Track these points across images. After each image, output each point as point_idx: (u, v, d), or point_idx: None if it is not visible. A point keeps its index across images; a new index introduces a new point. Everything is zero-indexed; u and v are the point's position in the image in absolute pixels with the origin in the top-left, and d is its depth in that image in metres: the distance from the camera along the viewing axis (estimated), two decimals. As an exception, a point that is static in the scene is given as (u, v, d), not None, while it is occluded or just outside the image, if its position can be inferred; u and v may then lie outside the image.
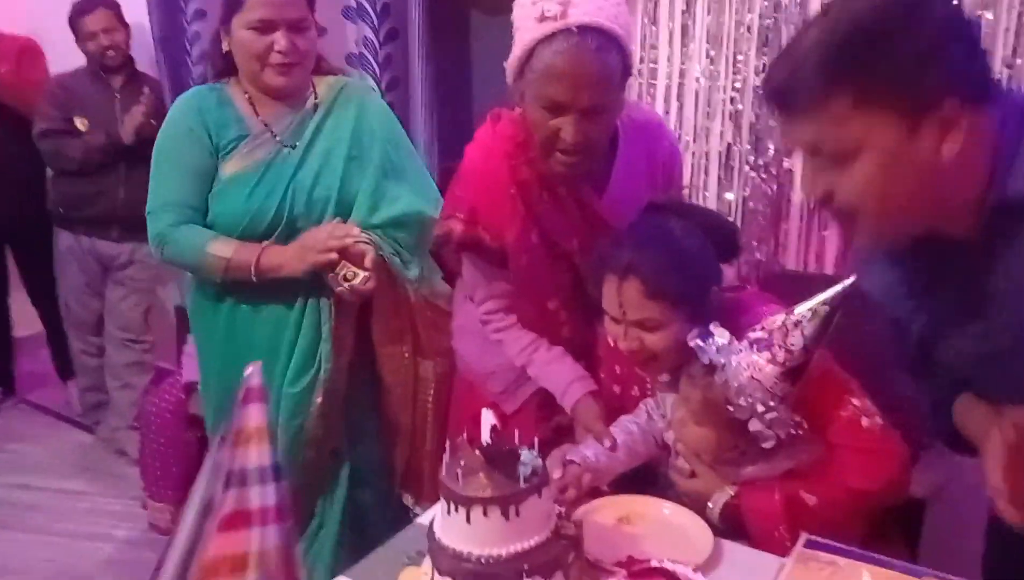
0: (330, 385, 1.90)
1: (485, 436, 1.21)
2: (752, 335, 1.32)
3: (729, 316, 1.40)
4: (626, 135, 1.66)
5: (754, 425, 1.31)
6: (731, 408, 1.32)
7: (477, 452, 1.20)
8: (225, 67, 1.89)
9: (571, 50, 1.45)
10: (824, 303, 1.30)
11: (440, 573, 1.19)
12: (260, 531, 0.85)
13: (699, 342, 1.32)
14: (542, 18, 1.45)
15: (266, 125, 1.86)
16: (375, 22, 2.64)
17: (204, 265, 1.83)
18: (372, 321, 1.92)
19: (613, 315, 1.46)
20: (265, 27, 1.77)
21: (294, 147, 1.86)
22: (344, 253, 1.78)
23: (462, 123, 2.73)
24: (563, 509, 1.28)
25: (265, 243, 1.81)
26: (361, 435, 1.99)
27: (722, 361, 1.30)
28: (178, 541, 0.85)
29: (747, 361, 1.30)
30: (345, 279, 1.78)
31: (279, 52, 1.78)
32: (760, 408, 1.29)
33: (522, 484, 1.16)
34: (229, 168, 1.83)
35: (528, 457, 1.18)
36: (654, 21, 2.26)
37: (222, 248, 1.80)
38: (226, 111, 1.86)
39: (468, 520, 1.16)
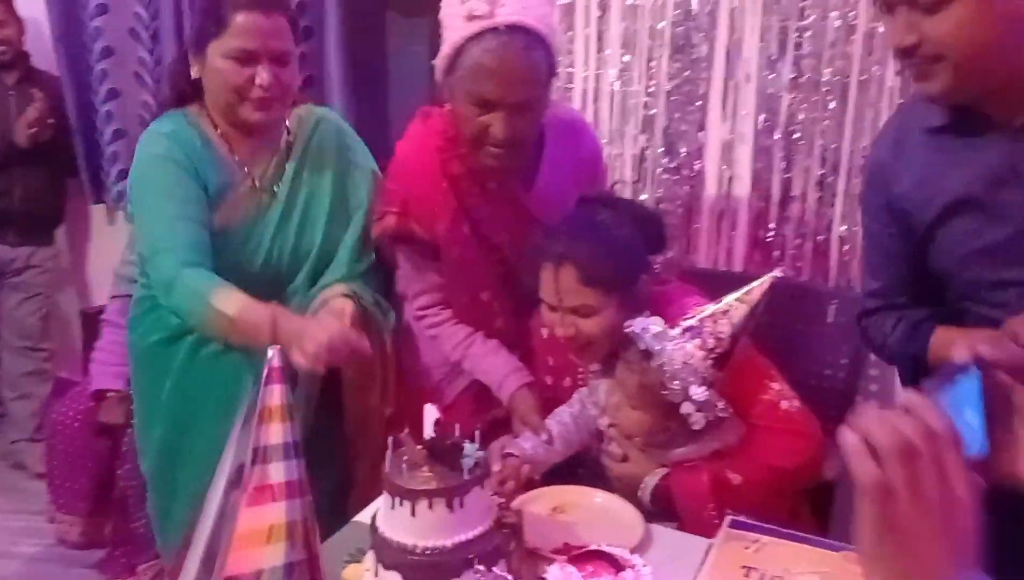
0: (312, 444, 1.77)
1: (428, 430, 1.23)
2: (684, 323, 1.41)
3: (657, 307, 1.48)
4: (552, 133, 1.72)
5: (686, 408, 1.39)
6: (665, 392, 1.39)
7: (420, 447, 1.22)
8: (190, 94, 1.71)
9: (499, 48, 1.49)
10: (749, 294, 1.40)
11: (385, 567, 1.21)
12: (285, 504, 0.90)
13: (635, 330, 1.39)
14: (470, 17, 1.50)
15: (246, 170, 1.71)
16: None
17: (209, 320, 1.60)
18: (344, 373, 1.80)
19: (550, 303, 1.51)
20: (247, 58, 1.61)
21: (274, 193, 1.73)
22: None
23: (377, 123, 2.74)
24: (503, 500, 1.31)
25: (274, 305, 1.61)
26: (317, 480, 1.86)
27: (657, 347, 1.38)
28: (206, 517, 0.88)
29: (680, 347, 1.38)
30: None
31: (260, 87, 1.62)
32: (692, 391, 1.37)
33: (466, 476, 1.18)
34: (215, 220, 1.67)
35: (471, 449, 1.20)
36: (570, 26, 2.32)
37: (227, 304, 1.57)
38: (207, 152, 1.68)
39: (413, 513, 1.18)
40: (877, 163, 1.43)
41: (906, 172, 1.36)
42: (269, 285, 1.71)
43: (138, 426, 1.85)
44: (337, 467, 1.82)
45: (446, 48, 1.55)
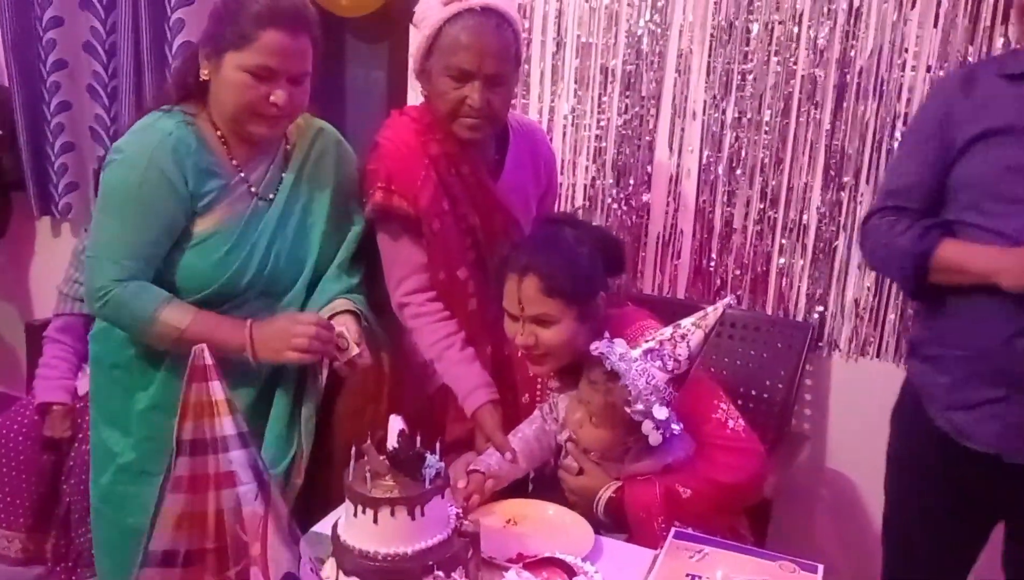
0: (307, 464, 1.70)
1: (392, 441, 1.28)
2: (645, 346, 1.50)
3: (616, 328, 1.57)
4: (515, 133, 1.89)
5: (646, 426, 1.47)
6: (629, 411, 1.47)
7: (383, 457, 1.26)
8: (195, 94, 1.66)
9: (474, 25, 1.68)
10: (705, 319, 1.50)
11: (345, 573, 1.24)
12: (219, 494, 0.91)
13: (602, 350, 1.48)
14: (447, 1, 1.68)
15: (241, 173, 1.67)
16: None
17: (150, 333, 1.60)
18: (339, 392, 1.76)
19: (512, 312, 1.60)
20: (267, 75, 1.56)
21: (270, 200, 1.70)
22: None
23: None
24: (460, 510, 1.36)
25: (249, 321, 1.63)
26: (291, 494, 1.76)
27: (623, 368, 1.46)
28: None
29: (642, 369, 1.47)
30: (339, 349, 1.66)
31: (275, 105, 1.58)
32: (654, 411, 1.46)
33: (427, 485, 1.23)
34: (204, 223, 1.64)
35: (432, 460, 1.26)
36: (527, 60, 2.41)
37: (176, 317, 1.58)
38: (203, 155, 1.63)
39: (375, 520, 1.22)
40: (942, 88, 1.67)
41: (968, 99, 1.55)
42: (263, 296, 1.70)
43: (98, 442, 1.78)
44: (316, 486, 1.77)
45: (425, 31, 1.71)
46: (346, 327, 1.68)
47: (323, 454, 1.76)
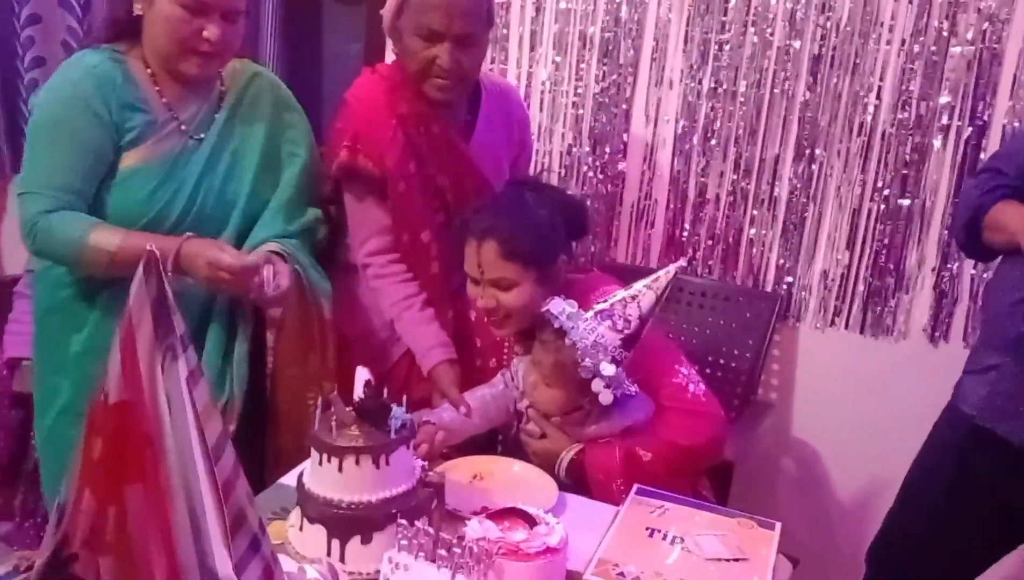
0: (241, 412, 1.70)
1: (358, 391, 1.29)
2: (596, 306, 1.53)
3: (579, 293, 1.58)
4: (487, 94, 1.88)
5: (596, 385, 1.49)
6: (578, 368, 1.49)
7: (349, 408, 1.28)
8: (127, 30, 1.65)
9: None
10: (656, 282, 1.53)
11: (310, 521, 1.26)
12: None
13: (551, 310, 1.50)
14: None
15: (171, 111, 1.66)
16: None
17: (83, 258, 1.59)
18: (277, 339, 1.77)
19: (472, 276, 1.61)
20: (199, 9, 1.56)
21: (201, 140, 1.69)
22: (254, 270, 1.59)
23: (312, 109, 2.76)
24: (426, 463, 1.38)
25: (185, 235, 1.59)
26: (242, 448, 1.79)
27: (570, 326, 1.49)
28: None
29: (592, 328, 1.49)
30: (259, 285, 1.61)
31: (208, 40, 1.58)
32: (602, 368, 1.47)
33: (393, 435, 1.25)
34: (131, 158, 1.63)
35: (398, 411, 1.27)
36: (505, 24, 2.40)
37: (106, 238, 1.57)
38: (130, 90, 1.63)
39: (340, 469, 1.24)
40: None
41: None
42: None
43: (39, 385, 1.79)
44: (265, 438, 1.80)
45: None
46: (270, 264, 1.63)
47: (268, 406, 1.79)
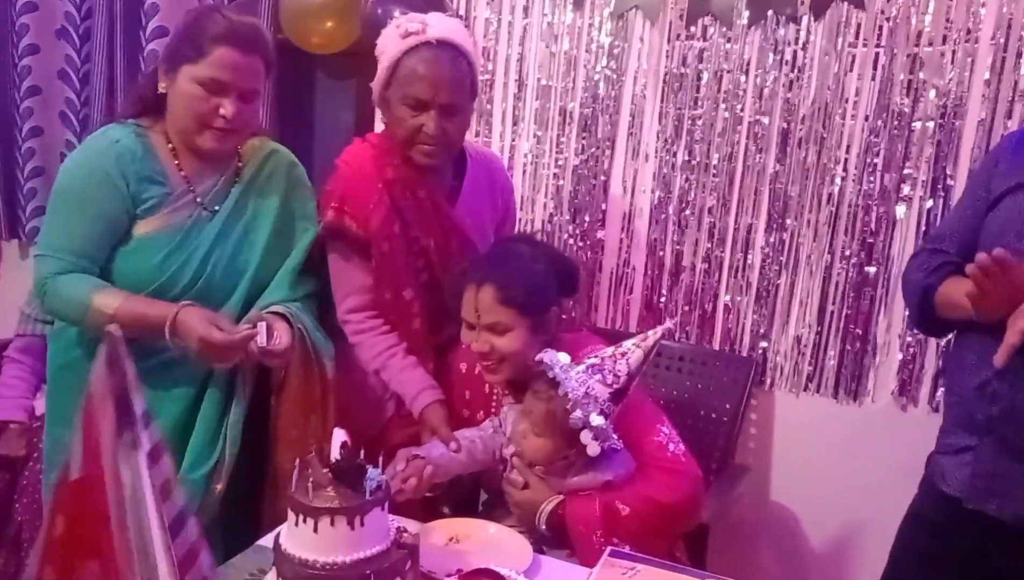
0: (232, 471, 1.74)
1: (335, 453, 1.32)
2: (588, 361, 1.60)
3: (569, 349, 1.66)
4: (473, 161, 1.97)
5: (584, 436, 1.55)
6: (568, 418, 1.55)
7: (326, 469, 1.31)
8: (152, 106, 1.76)
9: (431, 57, 1.77)
10: (645, 341, 1.61)
11: (285, 582, 1.28)
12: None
13: (545, 360, 1.59)
14: (406, 35, 1.78)
15: (188, 184, 1.75)
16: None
17: (87, 319, 1.65)
18: (278, 401, 1.80)
19: (469, 321, 1.69)
20: (216, 88, 1.67)
21: (215, 211, 1.77)
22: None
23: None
24: (403, 526, 1.40)
25: (181, 303, 1.66)
26: (236, 505, 1.79)
27: (563, 377, 1.56)
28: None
29: (583, 379, 1.56)
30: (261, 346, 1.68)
31: (223, 117, 1.67)
32: (591, 419, 1.54)
33: (368, 496, 1.28)
34: (145, 226, 1.71)
35: (374, 473, 1.31)
36: (489, 100, 2.51)
37: (107, 301, 1.64)
38: (149, 163, 1.72)
39: (315, 530, 1.26)
40: (999, 147, 1.67)
41: (1014, 155, 1.58)
42: (199, 303, 1.72)
43: (50, 439, 1.82)
44: (260, 498, 1.81)
45: (384, 62, 1.81)
46: (265, 321, 1.71)
47: (268, 467, 1.80)
